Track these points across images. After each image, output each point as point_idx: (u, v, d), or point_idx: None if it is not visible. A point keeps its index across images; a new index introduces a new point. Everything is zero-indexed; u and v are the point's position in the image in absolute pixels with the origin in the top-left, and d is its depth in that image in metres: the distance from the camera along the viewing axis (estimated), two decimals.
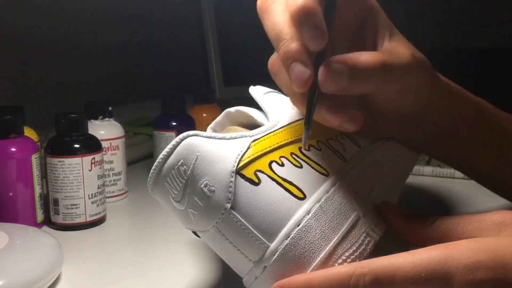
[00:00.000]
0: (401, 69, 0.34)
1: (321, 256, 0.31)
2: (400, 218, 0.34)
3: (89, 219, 0.53)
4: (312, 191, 0.33)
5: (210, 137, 0.33)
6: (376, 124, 0.40)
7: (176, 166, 0.33)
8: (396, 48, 0.36)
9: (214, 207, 0.32)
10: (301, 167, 0.34)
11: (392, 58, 0.34)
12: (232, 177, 0.32)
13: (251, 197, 0.32)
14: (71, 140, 0.52)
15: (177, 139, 0.33)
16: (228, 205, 0.32)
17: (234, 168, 0.32)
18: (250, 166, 0.33)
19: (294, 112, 0.39)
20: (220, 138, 0.34)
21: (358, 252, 0.32)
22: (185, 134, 0.33)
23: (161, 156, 0.33)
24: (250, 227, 0.32)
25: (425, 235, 0.32)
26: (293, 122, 0.38)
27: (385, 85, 0.35)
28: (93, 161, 0.53)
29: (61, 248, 0.42)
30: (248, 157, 0.33)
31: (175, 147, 0.33)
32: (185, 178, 0.32)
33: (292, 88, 0.33)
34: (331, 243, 0.31)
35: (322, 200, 0.33)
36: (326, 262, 0.31)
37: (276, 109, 0.39)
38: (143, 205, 0.60)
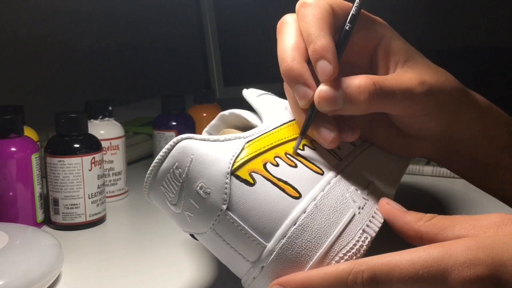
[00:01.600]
0: (399, 93, 0.36)
1: (318, 254, 0.31)
2: (397, 213, 0.34)
3: (89, 219, 0.53)
4: (308, 190, 0.33)
5: (204, 140, 0.34)
6: (407, 142, 0.42)
7: (171, 170, 0.33)
8: (403, 74, 0.37)
9: (210, 209, 0.32)
10: (295, 166, 0.34)
11: (390, 82, 0.36)
12: (227, 178, 0.32)
13: (247, 198, 0.32)
14: (71, 140, 0.52)
15: (171, 142, 0.33)
16: (224, 206, 0.32)
17: (229, 169, 0.32)
18: (245, 167, 0.33)
19: (287, 113, 0.40)
20: (214, 140, 0.34)
21: (355, 249, 0.32)
22: (179, 137, 0.33)
23: (156, 160, 0.33)
24: (246, 227, 0.32)
25: (422, 231, 0.32)
26: (287, 122, 0.38)
27: (382, 107, 0.36)
28: (93, 160, 0.53)
29: (61, 248, 0.42)
30: (242, 158, 0.33)
31: (169, 150, 0.33)
32: (181, 181, 0.32)
33: (296, 103, 0.36)
34: (328, 241, 0.31)
35: (318, 198, 0.33)
36: (323, 260, 0.31)
37: (270, 110, 0.40)
38: (143, 205, 0.60)
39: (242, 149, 0.34)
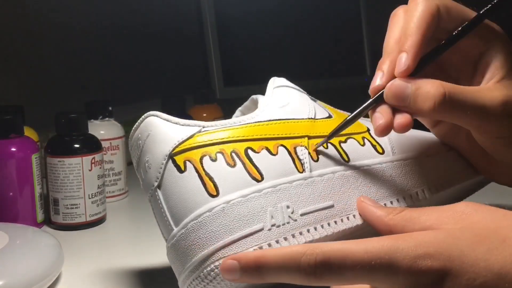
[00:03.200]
0: (470, 109, 0.35)
1: (201, 253, 0.32)
2: (370, 209, 0.35)
3: (89, 219, 0.53)
4: (228, 192, 0.33)
5: (167, 120, 0.36)
6: (487, 160, 0.40)
7: (137, 139, 0.37)
8: (487, 90, 0.36)
9: (148, 182, 0.36)
10: (233, 166, 0.34)
11: (465, 96, 0.35)
12: (165, 160, 0.35)
13: (173, 182, 0.34)
14: (71, 140, 0.52)
15: (144, 116, 0.37)
16: (156, 184, 0.35)
17: (169, 152, 0.35)
18: (184, 154, 0.35)
19: (280, 111, 0.38)
20: (175, 123, 0.36)
21: None
22: (148, 113, 0.37)
23: (133, 128, 0.37)
24: (165, 208, 0.35)
25: (390, 225, 0.33)
26: (261, 121, 0.37)
27: (450, 118, 0.36)
28: (93, 161, 0.53)
29: (61, 248, 0.42)
30: (185, 145, 0.35)
31: (141, 122, 0.37)
32: (139, 151, 0.37)
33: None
34: (214, 245, 0.32)
35: (232, 202, 0.33)
36: (204, 261, 0.32)
37: (265, 105, 0.39)
38: (143, 205, 0.60)
39: (191, 137, 0.35)
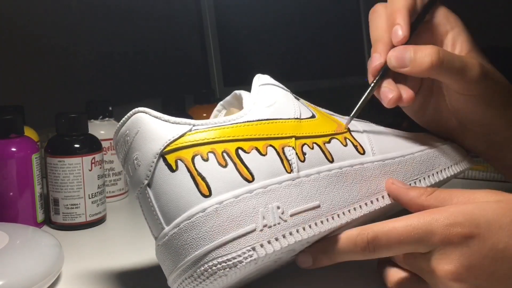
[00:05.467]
0: (458, 66, 0.41)
1: (194, 254, 0.33)
2: (402, 191, 0.39)
3: (89, 219, 0.53)
4: (221, 192, 0.33)
5: (156, 117, 0.35)
6: (464, 136, 0.46)
7: (124, 135, 0.36)
8: (468, 57, 0.42)
9: (137, 180, 0.35)
10: (225, 166, 0.34)
11: (453, 56, 0.41)
12: (155, 158, 0.35)
13: (164, 181, 0.34)
14: (71, 140, 0.52)
15: (132, 112, 0.36)
16: (146, 182, 0.35)
17: (160, 151, 0.34)
18: (175, 153, 0.34)
19: (267, 111, 0.38)
20: (165, 120, 0.35)
21: (231, 262, 0.32)
22: (136, 109, 0.36)
23: (120, 123, 0.37)
24: (156, 207, 0.35)
25: (425, 205, 0.37)
26: (250, 121, 0.37)
27: (442, 74, 0.41)
28: (93, 161, 0.53)
29: (61, 248, 0.42)
30: (176, 144, 0.35)
31: (128, 118, 0.36)
32: (127, 148, 0.36)
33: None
34: (208, 246, 0.32)
35: (224, 203, 0.33)
36: (197, 262, 0.33)
37: (252, 103, 0.39)
38: None
39: (182, 136, 0.35)
